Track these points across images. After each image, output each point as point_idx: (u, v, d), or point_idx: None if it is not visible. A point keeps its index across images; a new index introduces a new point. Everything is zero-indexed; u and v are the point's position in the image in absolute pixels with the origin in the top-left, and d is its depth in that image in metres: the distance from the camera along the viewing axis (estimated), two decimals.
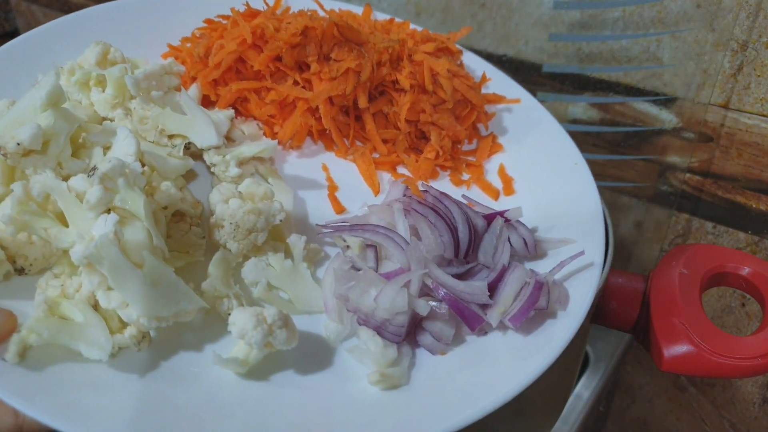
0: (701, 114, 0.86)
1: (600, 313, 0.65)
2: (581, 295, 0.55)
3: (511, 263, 0.57)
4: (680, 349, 0.58)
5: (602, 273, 0.61)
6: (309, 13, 0.72)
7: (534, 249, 0.60)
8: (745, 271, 0.61)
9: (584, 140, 0.93)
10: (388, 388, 0.49)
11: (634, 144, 0.92)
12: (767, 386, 0.97)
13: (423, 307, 0.52)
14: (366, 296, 0.52)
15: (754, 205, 0.88)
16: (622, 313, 0.64)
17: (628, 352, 1.03)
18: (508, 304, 0.54)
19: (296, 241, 0.56)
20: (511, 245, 0.59)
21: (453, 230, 0.57)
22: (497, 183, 0.69)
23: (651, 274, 0.64)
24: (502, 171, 0.70)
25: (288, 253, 0.56)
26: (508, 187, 0.68)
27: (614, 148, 0.94)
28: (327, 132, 0.68)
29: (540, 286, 0.54)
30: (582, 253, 0.57)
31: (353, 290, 0.53)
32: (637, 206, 0.97)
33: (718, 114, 0.85)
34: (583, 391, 0.92)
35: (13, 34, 1.59)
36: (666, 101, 0.88)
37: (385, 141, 0.69)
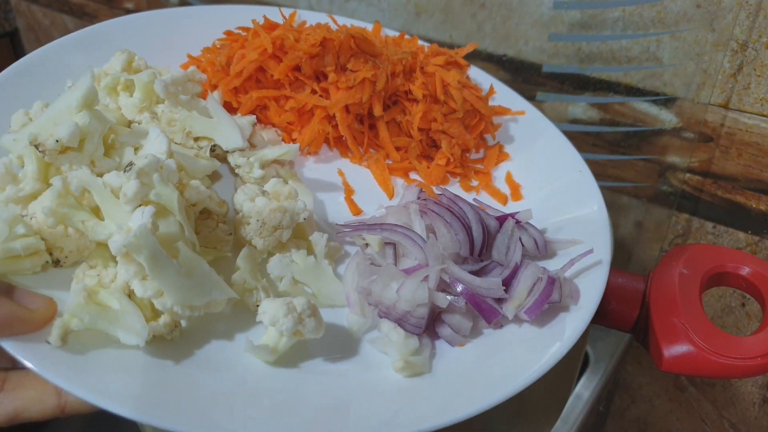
0: (701, 114, 0.86)
1: (600, 313, 0.64)
2: (591, 290, 0.58)
3: (523, 261, 0.60)
4: (680, 349, 0.58)
5: None
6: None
7: (544, 249, 0.62)
8: (745, 271, 0.62)
9: (584, 140, 0.95)
10: (411, 375, 0.51)
11: (634, 144, 0.93)
12: (767, 386, 0.97)
13: (442, 299, 0.55)
14: (388, 289, 0.55)
15: (754, 205, 0.88)
16: (622, 313, 0.64)
17: (628, 352, 1.04)
18: (522, 298, 0.56)
19: (318, 239, 0.58)
20: (522, 245, 0.62)
21: (468, 229, 0.60)
22: (505, 189, 0.72)
23: (651, 274, 0.65)
24: (509, 178, 0.73)
25: (310, 250, 0.59)
26: (516, 193, 0.71)
27: (614, 148, 0.95)
28: (343, 139, 0.71)
29: (552, 281, 0.56)
30: (591, 250, 0.59)
31: (375, 284, 0.55)
32: (637, 206, 0.97)
33: (718, 114, 0.85)
34: (583, 391, 0.93)
35: (14, 34, 1.60)
36: (666, 101, 0.89)
37: (397, 148, 0.72)
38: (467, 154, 0.75)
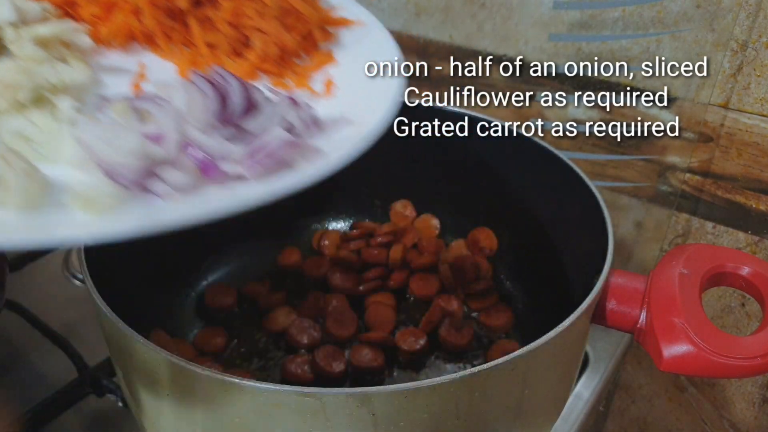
0: (701, 114, 0.86)
1: (600, 313, 0.66)
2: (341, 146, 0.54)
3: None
4: (680, 349, 0.59)
5: (602, 274, 0.63)
6: None
7: (314, 126, 0.59)
8: (745, 271, 0.62)
9: (584, 140, 0.95)
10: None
11: (634, 144, 0.93)
12: (767, 386, 0.95)
13: (157, 152, 0.52)
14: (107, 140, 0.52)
15: (754, 205, 0.87)
16: (622, 313, 0.65)
17: (628, 352, 1.02)
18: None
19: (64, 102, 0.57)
20: (289, 122, 0.58)
21: (223, 96, 0.57)
22: (319, 89, 0.68)
23: (651, 274, 0.65)
24: (327, 79, 0.69)
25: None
26: (328, 91, 0.67)
27: (614, 148, 0.95)
28: (152, 35, 0.69)
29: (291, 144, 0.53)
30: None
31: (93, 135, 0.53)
32: (637, 206, 0.97)
33: (718, 114, 0.85)
34: (583, 391, 0.91)
35: None
36: (666, 101, 0.88)
37: (210, 46, 0.70)
38: (294, 59, 0.72)
